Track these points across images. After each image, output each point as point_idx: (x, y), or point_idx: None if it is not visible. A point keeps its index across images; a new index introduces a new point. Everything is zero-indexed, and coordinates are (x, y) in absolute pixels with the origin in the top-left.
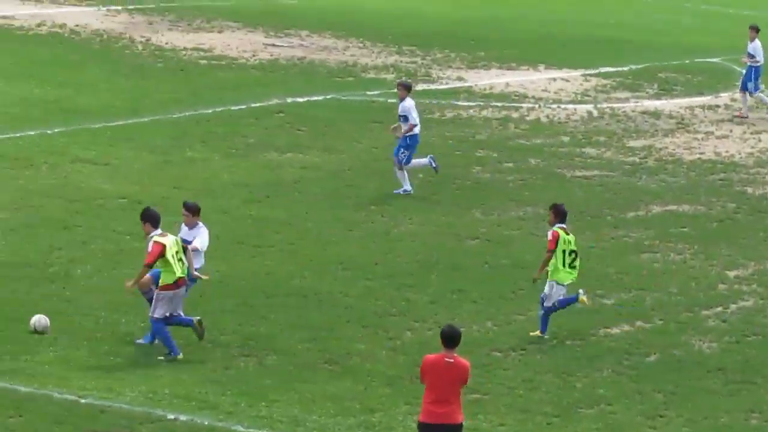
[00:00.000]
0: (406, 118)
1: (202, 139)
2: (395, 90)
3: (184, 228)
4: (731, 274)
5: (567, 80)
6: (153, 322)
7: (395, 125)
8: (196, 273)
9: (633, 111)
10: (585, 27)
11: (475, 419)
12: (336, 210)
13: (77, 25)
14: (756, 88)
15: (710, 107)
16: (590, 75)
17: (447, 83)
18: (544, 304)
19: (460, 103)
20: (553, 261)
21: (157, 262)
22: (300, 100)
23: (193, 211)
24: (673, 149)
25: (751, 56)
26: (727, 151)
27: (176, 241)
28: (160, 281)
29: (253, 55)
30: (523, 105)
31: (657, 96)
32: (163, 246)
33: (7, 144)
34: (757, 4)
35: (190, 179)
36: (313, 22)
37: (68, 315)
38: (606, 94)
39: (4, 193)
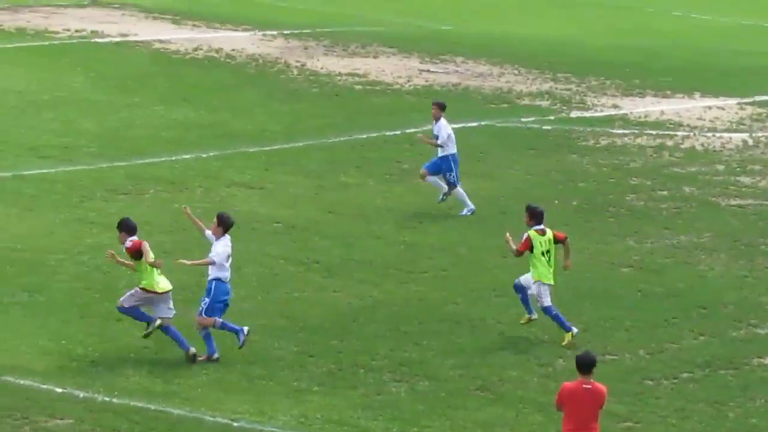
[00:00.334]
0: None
1: (357, 164)
2: (550, 117)
3: (211, 237)
4: None
5: (722, 108)
6: (118, 309)
7: (426, 137)
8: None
9: None
10: (740, 56)
11: None
12: (489, 236)
13: (233, 50)
14: None
15: None
16: (746, 103)
17: (602, 111)
18: (545, 305)
19: (614, 130)
20: (535, 262)
21: (140, 270)
22: (455, 126)
23: (220, 224)
24: None
25: None
26: None
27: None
28: (145, 284)
29: (408, 81)
30: (678, 133)
31: None
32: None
33: (162, 167)
34: None
35: (344, 204)
36: (469, 48)
37: (221, 339)
38: (761, 123)
39: (160, 215)
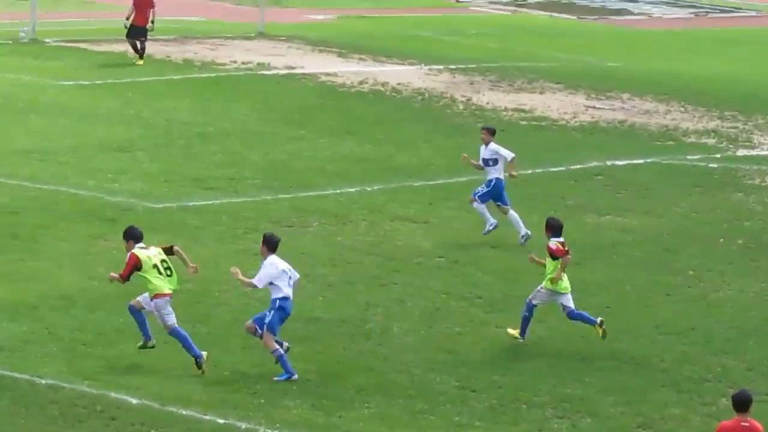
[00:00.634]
0: (495, 161)
1: (520, 199)
2: (716, 155)
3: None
4: None
5: None
6: (171, 333)
7: (474, 161)
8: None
9: None
10: None
11: None
12: (654, 274)
13: (399, 83)
14: None
15: None
16: None
17: None
18: (571, 309)
19: None
20: (552, 269)
21: (144, 275)
22: (620, 163)
23: (264, 243)
24: None
25: None
26: None
27: (159, 251)
28: (152, 290)
29: (574, 117)
30: None
31: None
32: (138, 258)
33: (327, 200)
34: None
35: (507, 239)
36: (635, 85)
37: (383, 372)
38: None
39: (323, 248)
